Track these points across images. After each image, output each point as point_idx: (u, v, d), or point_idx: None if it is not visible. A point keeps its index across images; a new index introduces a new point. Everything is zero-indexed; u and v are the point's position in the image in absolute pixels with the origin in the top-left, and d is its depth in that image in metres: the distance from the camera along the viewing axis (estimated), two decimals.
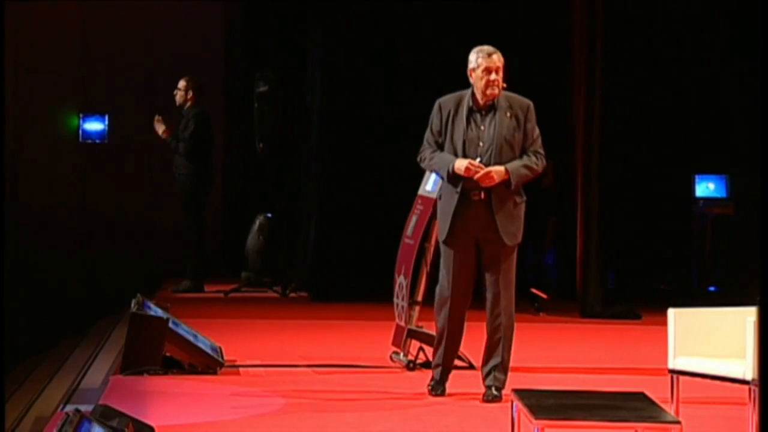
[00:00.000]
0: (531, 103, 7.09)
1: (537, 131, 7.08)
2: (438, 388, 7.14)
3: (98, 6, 14.75)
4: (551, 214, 12.86)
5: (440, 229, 7.13)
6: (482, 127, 6.96)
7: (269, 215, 13.11)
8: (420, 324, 8.13)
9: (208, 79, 13.48)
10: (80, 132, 14.89)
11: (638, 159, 12.61)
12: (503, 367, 7.06)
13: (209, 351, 7.98)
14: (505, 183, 6.90)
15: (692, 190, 12.99)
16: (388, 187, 11.96)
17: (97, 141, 14.90)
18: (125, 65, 14.76)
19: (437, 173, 7.18)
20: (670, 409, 5.77)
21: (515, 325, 7.14)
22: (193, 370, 7.78)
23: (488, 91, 6.96)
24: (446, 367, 7.19)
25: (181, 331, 7.96)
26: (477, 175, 6.85)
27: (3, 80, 11.95)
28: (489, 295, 7.08)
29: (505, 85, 7.05)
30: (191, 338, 7.97)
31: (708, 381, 5.98)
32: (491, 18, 12.83)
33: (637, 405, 5.15)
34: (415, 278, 8.10)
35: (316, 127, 12.64)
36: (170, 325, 7.87)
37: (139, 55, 14.77)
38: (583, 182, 11.12)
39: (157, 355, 7.75)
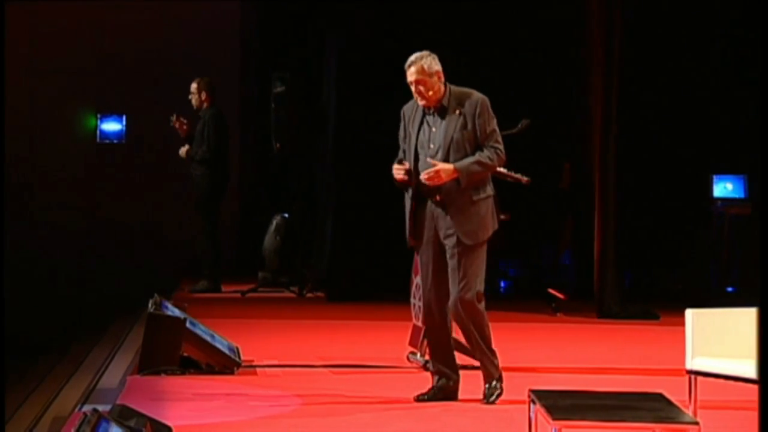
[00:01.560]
0: (482, 98, 6.87)
1: (491, 126, 6.85)
2: (425, 395, 6.98)
3: (115, 6, 14.79)
4: (568, 215, 12.85)
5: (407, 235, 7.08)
6: (434, 129, 6.87)
7: (286, 215, 13.13)
8: None
9: (224, 80, 13.51)
10: (98, 132, 14.93)
11: (656, 159, 12.60)
12: (485, 364, 6.93)
13: (226, 351, 7.99)
14: (456, 181, 6.78)
15: (710, 190, 12.96)
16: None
17: (115, 141, 14.94)
18: (142, 65, 14.80)
19: None
20: (688, 410, 5.75)
21: (485, 320, 6.92)
22: (210, 370, 7.79)
23: (420, 102, 6.89)
24: (435, 370, 7.02)
25: (198, 331, 7.97)
26: (426, 178, 6.75)
27: (3, 80, 11.98)
28: (450, 296, 6.92)
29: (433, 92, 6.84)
30: (208, 338, 7.98)
31: (726, 382, 5.96)
32: (508, 20, 12.84)
33: (654, 405, 5.13)
34: None
35: (332, 127, 12.64)
36: (187, 325, 7.88)
37: (156, 55, 14.80)
38: (601, 183, 11.10)
39: (175, 355, 7.76)
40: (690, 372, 6.09)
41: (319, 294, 12.44)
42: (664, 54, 12.54)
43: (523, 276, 13.68)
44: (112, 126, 14.95)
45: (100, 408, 5.30)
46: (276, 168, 13.94)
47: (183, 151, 12.24)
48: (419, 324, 8.13)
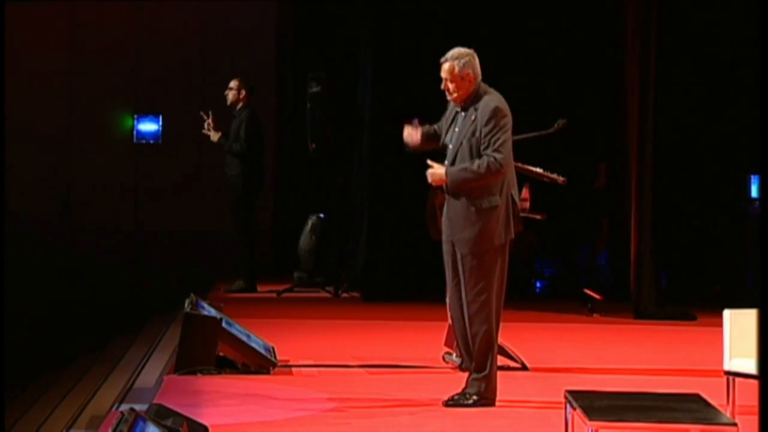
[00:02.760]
0: (495, 107, 6.78)
1: (495, 134, 6.74)
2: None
3: (152, 7, 14.86)
4: (604, 215, 12.80)
5: None
6: (456, 130, 6.92)
7: (321, 215, 13.15)
8: None
9: (260, 80, 13.54)
10: (134, 133, 15.01)
11: (693, 159, 12.53)
12: (476, 381, 6.86)
13: (262, 351, 8.01)
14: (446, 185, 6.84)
15: (748, 190, 12.87)
16: None
17: (151, 141, 15.01)
18: (178, 65, 14.86)
19: None
20: (726, 411, 5.72)
21: (493, 333, 6.82)
22: (246, 370, 7.81)
23: (448, 96, 6.93)
24: (466, 366, 7.06)
25: (234, 331, 7.99)
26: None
27: (3, 80, 12.05)
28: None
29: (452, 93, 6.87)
30: (244, 338, 8.00)
31: None
32: (545, 19, 12.81)
33: (692, 407, 5.11)
34: None
35: (367, 127, 12.65)
36: (223, 324, 7.90)
37: (192, 55, 14.86)
38: (638, 183, 11.05)
39: (211, 354, 7.78)
40: (728, 373, 6.06)
41: (355, 294, 12.45)
42: (701, 52, 12.46)
43: (559, 276, 13.64)
44: (148, 126, 15.01)
45: (137, 407, 5.32)
46: (311, 168, 13.96)
47: (213, 134, 12.13)
48: None
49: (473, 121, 6.82)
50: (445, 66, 6.86)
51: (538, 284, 13.60)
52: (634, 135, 11.19)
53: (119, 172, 14.90)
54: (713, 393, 5.85)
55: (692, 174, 12.56)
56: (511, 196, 6.87)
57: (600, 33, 12.64)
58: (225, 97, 12.32)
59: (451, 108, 7.01)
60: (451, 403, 6.83)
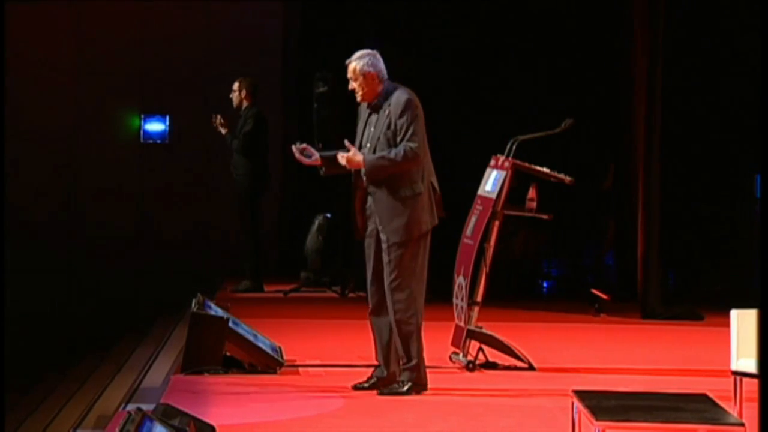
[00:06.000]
0: (407, 99, 7.00)
1: (411, 127, 6.96)
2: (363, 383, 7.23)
3: (158, 7, 14.87)
4: (611, 215, 12.79)
5: None
6: (371, 128, 7.08)
7: (328, 215, 13.14)
8: (479, 324, 8.11)
9: (267, 80, 13.53)
10: (141, 132, 15.01)
11: (700, 159, 12.51)
12: (406, 370, 7.02)
13: (269, 351, 8.01)
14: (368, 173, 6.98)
15: (755, 189, 12.86)
16: (446, 187, 11.90)
17: (158, 141, 15.02)
18: (185, 65, 14.86)
19: None
20: (733, 411, 5.71)
21: (419, 321, 7.02)
22: (253, 370, 7.81)
23: (358, 98, 7.09)
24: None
25: (241, 331, 7.99)
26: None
27: (3, 80, 12.05)
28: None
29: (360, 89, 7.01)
30: (251, 338, 8.00)
31: None
32: (551, 19, 12.80)
33: (699, 407, 5.10)
34: (474, 279, 8.08)
35: None
36: (230, 324, 7.90)
37: (199, 55, 14.86)
38: (644, 183, 11.04)
39: (218, 354, 7.78)
40: (735, 373, 6.05)
41: (361, 294, 12.43)
42: (707, 53, 12.44)
43: (566, 276, 13.64)
44: (155, 126, 15.02)
45: (144, 407, 5.32)
46: (318, 168, 13.93)
47: (221, 127, 12.13)
48: (461, 324, 8.12)
49: (387, 115, 7.00)
50: (348, 67, 7.07)
51: (545, 284, 13.60)
52: (641, 135, 11.17)
53: (126, 172, 14.90)
54: (720, 393, 5.84)
55: (699, 174, 12.55)
56: (431, 183, 7.05)
57: (607, 32, 12.62)
58: (231, 100, 12.32)
59: (362, 112, 7.16)
60: (386, 391, 6.99)
